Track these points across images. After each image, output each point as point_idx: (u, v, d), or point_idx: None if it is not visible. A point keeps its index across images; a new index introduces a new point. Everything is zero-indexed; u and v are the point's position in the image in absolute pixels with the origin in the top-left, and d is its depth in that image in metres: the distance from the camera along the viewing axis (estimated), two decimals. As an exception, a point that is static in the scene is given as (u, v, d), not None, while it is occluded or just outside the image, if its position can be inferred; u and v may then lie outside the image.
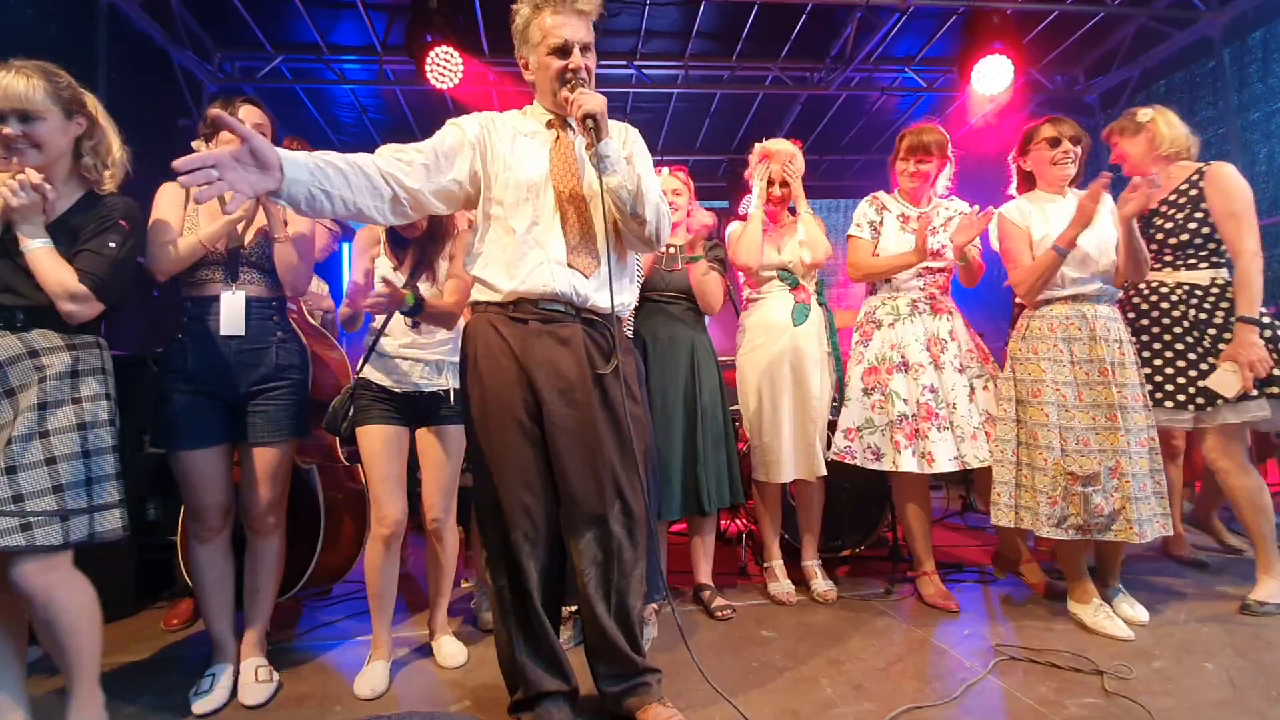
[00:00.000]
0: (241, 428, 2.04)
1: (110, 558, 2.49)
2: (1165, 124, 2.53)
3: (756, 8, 5.34)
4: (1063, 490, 2.28)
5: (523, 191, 1.68)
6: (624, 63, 6.06)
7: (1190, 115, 5.65)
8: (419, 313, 2.06)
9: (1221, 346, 2.39)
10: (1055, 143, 2.42)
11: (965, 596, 2.66)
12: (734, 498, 2.63)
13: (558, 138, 1.76)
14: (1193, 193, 2.47)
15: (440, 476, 2.21)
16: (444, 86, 4.70)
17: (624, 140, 1.79)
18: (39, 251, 1.63)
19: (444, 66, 4.58)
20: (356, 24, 5.49)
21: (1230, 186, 2.41)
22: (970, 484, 3.88)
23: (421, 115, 6.79)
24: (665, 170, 2.72)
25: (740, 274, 2.89)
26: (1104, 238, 2.32)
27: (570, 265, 1.68)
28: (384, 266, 2.19)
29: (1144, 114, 2.57)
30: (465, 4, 5.04)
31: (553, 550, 1.72)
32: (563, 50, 1.67)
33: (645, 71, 6.18)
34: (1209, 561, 2.96)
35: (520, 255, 1.67)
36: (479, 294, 1.74)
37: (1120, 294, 2.46)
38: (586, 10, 1.69)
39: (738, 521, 3.52)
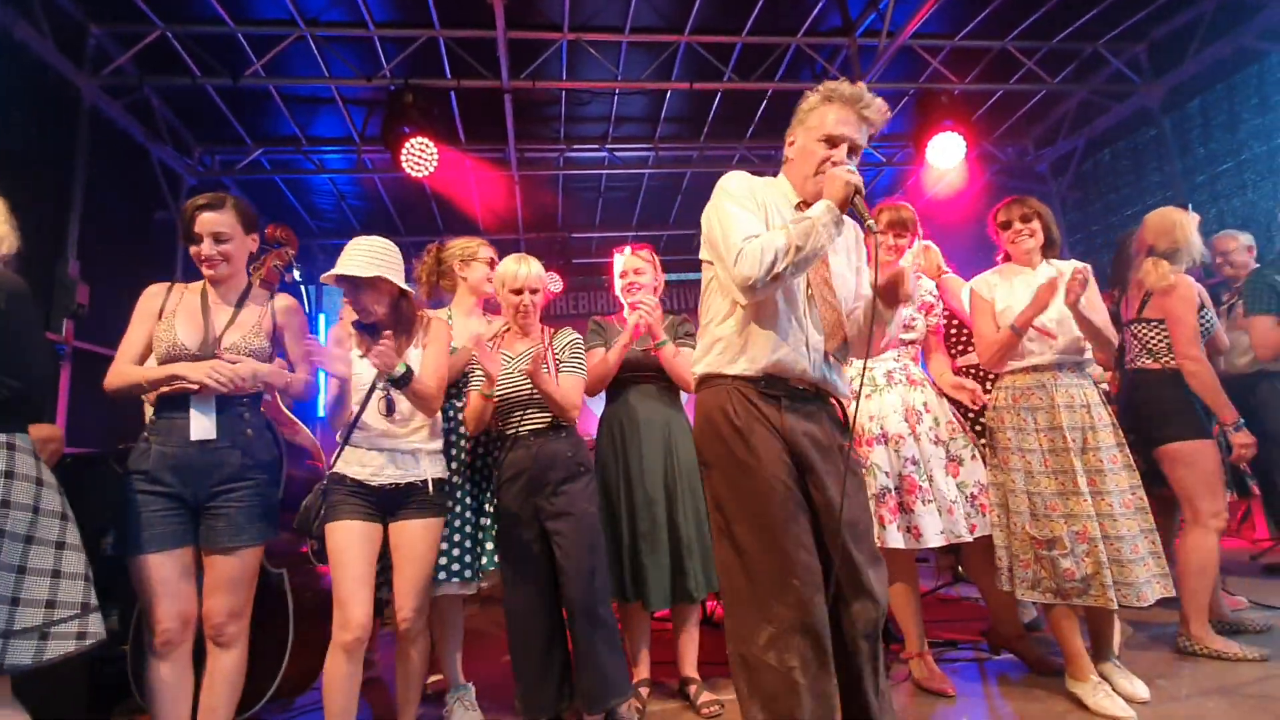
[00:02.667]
0: (202, 531, 1.95)
1: (57, 668, 2.33)
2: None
3: (720, 94, 5.61)
4: (1033, 554, 2.30)
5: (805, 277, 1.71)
6: (596, 146, 6.30)
7: (1138, 180, 5.96)
8: (407, 383, 2.04)
9: None
10: (1007, 225, 2.56)
11: (960, 678, 2.56)
12: (723, 580, 2.53)
13: None
14: None
15: (415, 573, 2.08)
16: (419, 175, 4.82)
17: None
18: None
19: (419, 156, 4.72)
20: (335, 117, 5.69)
21: None
22: (959, 554, 3.80)
23: (400, 201, 6.95)
24: (628, 249, 2.77)
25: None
26: (1064, 311, 2.38)
27: (824, 350, 1.74)
28: (359, 363, 2.14)
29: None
30: (440, 97, 5.24)
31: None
32: (832, 141, 1.70)
33: (617, 154, 6.41)
34: (1246, 625, 2.79)
35: (783, 335, 1.68)
36: (721, 366, 1.70)
37: (1093, 365, 2.50)
38: (870, 118, 1.71)
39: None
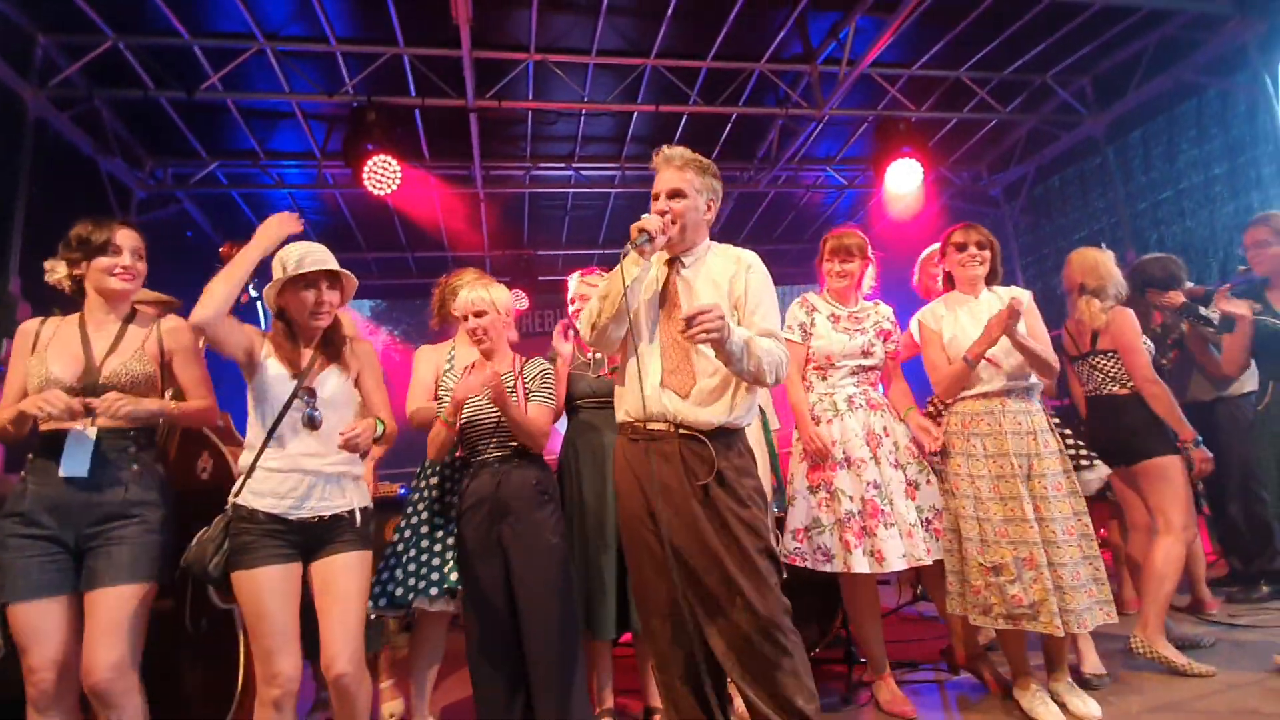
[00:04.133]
0: (83, 572, 1.82)
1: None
2: None
3: (685, 116, 5.68)
4: (983, 581, 2.34)
5: (639, 318, 1.92)
6: (563, 165, 6.30)
7: (1085, 205, 6.21)
8: (387, 442, 2.01)
9: None
10: (962, 247, 2.61)
11: (922, 699, 2.59)
12: (677, 611, 2.52)
13: (668, 273, 2.01)
14: None
15: (347, 617, 1.84)
16: (381, 193, 4.75)
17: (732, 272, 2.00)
18: None
19: (381, 175, 4.66)
20: (295, 131, 5.58)
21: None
22: (919, 573, 3.86)
23: (362, 217, 6.85)
24: (577, 275, 2.79)
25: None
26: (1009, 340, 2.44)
27: (665, 386, 1.88)
28: (276, 370, 1.93)
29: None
30: (404, 115, 5.20)
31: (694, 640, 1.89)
32: (655, 197, 1.98)
33: (583, 173, 6.42)
34: (1202, 641, 2.90)
35: (630, 383, 1.92)
36: (617, 415, 2.01)
37: (1041, 387, 2.57)
38: (679, 163, 1.97)
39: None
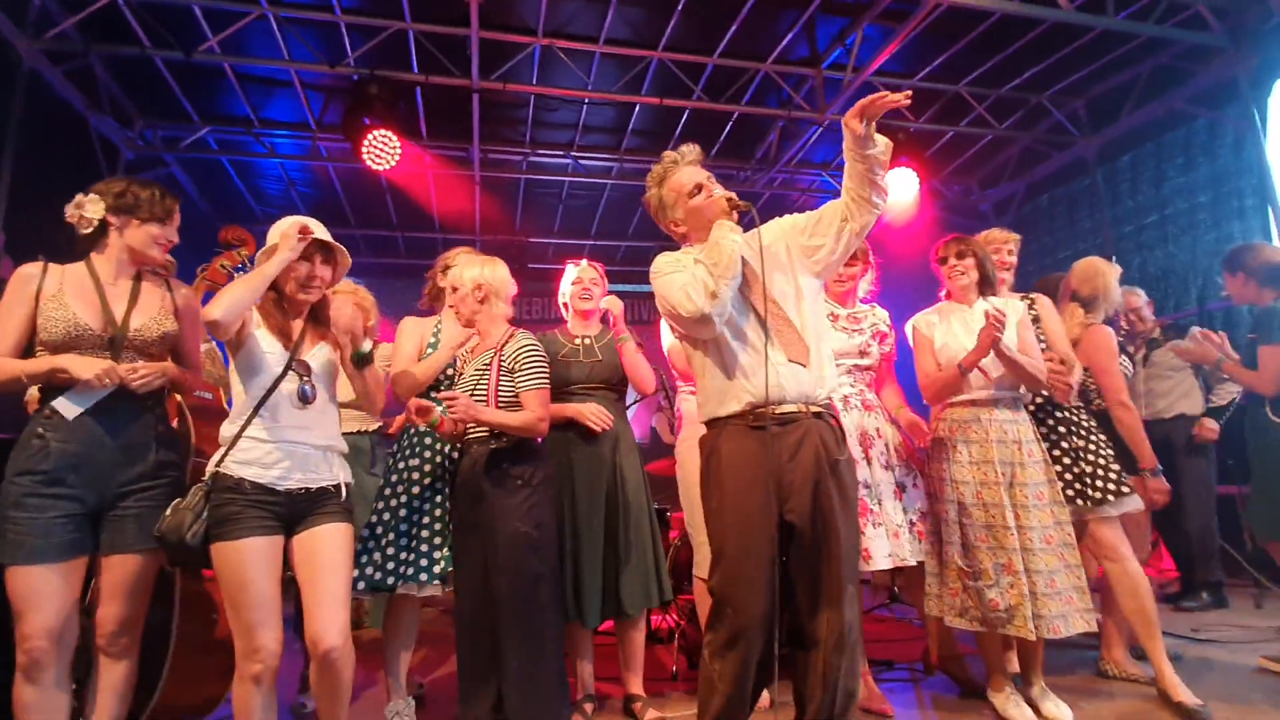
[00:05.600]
0: (106, 534, 1.80)
1: None
2: None
3: (688, 111, 5.68)
4: (960, 584, 2.39)
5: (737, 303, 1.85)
6: (562, 153, 6.28)
7: (1071, 225, 6.34)
8: (369, 362, 2.02)
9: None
10: (942, 261, 2.67)
11: (898, 697, 2.64)
12: (661, 596, 2.53)
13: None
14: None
15: (334, 587, 1.81)
16: (381, 168, 4.70)
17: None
18: None
19: (381, 149, 4.60)
20: (291, 101, 5.49)
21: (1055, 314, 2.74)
22: (896, 576, 3.92)
23: (353, 191, 6.75)
24: (584, 262, 2.79)
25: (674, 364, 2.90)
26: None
27: (792, 360, 1.80)
28: (267, 341, 1.92)
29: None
30: (406, 91, 5.13)
31: (768, 642, 1.78)
32: (699, 188, 1.94)
33: (582, 161, 6.41)
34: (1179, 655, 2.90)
35: (751, 367, 1.80)
36: (715, 410, 1.86)
37: (1028, 398, 2.62)
38: (696, 159, 2.00)
39: (669, 618, 3.41)
